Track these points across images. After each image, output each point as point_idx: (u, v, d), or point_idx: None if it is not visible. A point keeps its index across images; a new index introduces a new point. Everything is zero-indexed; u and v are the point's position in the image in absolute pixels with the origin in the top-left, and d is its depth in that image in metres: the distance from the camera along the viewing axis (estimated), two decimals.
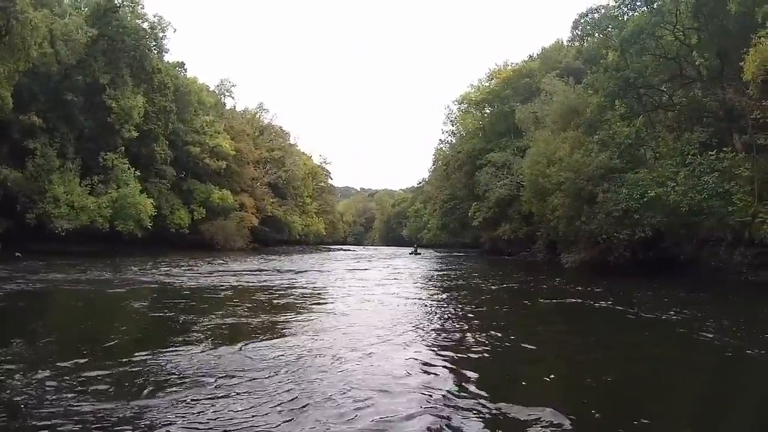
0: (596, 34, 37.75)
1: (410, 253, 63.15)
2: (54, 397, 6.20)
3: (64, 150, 41.07)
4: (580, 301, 17.76)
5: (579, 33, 38.70)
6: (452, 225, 75.32)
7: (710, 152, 25.94)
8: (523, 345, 10.41)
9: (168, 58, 57.46)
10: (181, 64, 64.36)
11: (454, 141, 78.84)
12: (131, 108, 44.52)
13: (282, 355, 8.55)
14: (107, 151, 44.20)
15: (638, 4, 31.57)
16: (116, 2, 45.31)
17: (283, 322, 12.10)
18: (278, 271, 29.15)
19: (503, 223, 55.39)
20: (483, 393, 6.88)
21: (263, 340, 9.87)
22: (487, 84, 73.10)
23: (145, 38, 46.93)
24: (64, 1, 45.75)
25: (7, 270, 23.05)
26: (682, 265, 26.38)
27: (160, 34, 49.77)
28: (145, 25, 48.02)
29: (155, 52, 50.26)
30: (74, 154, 42.29)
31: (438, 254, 67.16)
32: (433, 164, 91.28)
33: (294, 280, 23.51)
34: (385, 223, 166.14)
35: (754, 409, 6.86)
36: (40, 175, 38.27)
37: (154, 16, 49.90)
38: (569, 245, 34.98)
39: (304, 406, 6.14)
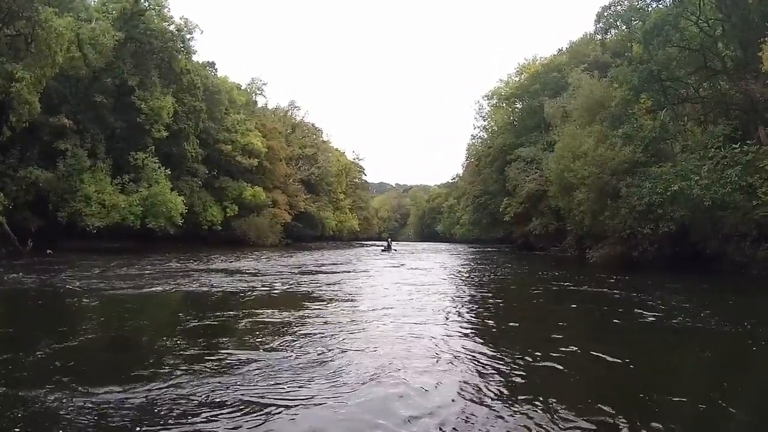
0: (621, 26, 37.04)
1: (382, 251, 53.01)
2: (81, 410, 5.78)
3: (95, 150, 42.08)
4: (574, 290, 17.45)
5: (602, 26, 37.85)
6: (484, 220, 74.49)
7: (734, 145, 25.21)
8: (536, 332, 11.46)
9: (198, 58, 58.56)
10: (212, 64, 65.54)
11: (485, 136, 78.17)
12: (161, 108, 45.34)
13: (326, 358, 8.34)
14: (138, 151, 45.02)
15: None
16: (142, 6, 46.37)
17: (322, 318, 12.01)
18: (311, 268, 28.18)
19: (534, 219, 54.86)
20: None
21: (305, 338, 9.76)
22: (516, 79, 72.31)
23: (172, 40, 47.75)
24: (90, 6, 46.97)
25: (36, 266, 23.99)
26: (707, 261, 25.54)
27: (187, 36, 50.82)
28: (172, 28, 49.08)
29: (183, 53, 51.12)
30: (105, 154, 43.33)
31: (471, 250, 66.57)
32: (466, 159, 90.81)
33: (330, 275, 23.71)
34: (420, 219, 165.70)
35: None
36: (72, 174, 39.19)
37: (181, 19, 50.95)
38: (595, 241, 34.55)
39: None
